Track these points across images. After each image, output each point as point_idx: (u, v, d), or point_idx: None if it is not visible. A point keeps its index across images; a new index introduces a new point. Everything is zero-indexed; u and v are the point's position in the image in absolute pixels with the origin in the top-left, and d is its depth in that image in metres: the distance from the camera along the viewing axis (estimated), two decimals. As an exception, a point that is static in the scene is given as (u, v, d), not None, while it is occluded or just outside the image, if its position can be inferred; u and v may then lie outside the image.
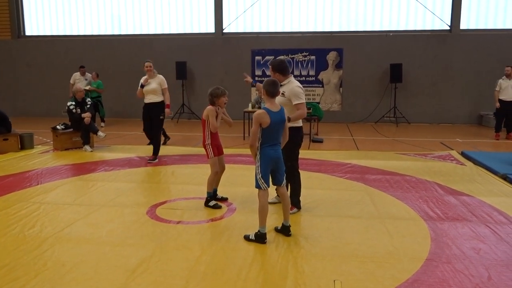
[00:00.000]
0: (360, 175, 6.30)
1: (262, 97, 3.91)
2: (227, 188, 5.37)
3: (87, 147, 8.29)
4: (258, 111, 3.73)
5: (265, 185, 3.77)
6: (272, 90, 3.78)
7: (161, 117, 7.32)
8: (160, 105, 7.31)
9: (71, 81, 12.09)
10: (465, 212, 4.65)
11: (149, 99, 7.24)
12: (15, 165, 7.00)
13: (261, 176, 3.75)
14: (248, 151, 8.13)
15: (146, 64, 7.23)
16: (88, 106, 8.59)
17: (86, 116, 8.25)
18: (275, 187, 4.06)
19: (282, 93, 4.38)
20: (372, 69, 13.36)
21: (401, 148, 8.70)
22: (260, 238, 3.77)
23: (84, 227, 4.18)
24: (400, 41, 13.17)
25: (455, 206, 4.87)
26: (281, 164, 3.89)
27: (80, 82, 12.08)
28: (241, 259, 3.45)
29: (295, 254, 3.54)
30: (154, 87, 7.23)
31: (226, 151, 5.11)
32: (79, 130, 8.33)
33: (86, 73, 12.21)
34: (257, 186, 3.79)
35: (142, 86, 7.21)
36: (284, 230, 3.95)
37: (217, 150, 4.87)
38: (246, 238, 3.85)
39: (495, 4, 13.04)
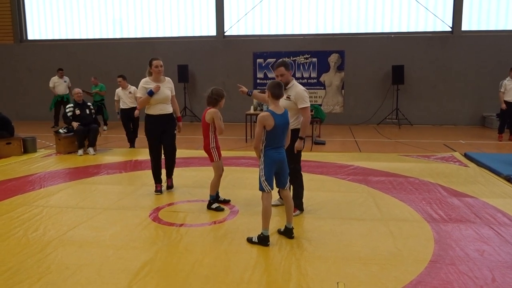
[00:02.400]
0: (362, 177, 6.28)
1: (267, 99, 3.89)
2: (229, 190, 5.37)
3: (90, 149, 8.33)
4: (262, 113, 3.73)
5: (269, 187, 3.77)
6: (278, 92, 3.76)
7: (175, 132, 5.63)
8: (172, 117, 5.58)
9: (51, 85, 12.29)
10: (469, 213, 4.64)
11: (161, 109, 5.35)
12: (18, 169, 7.02)
13: (265, 179, 3.76)
14: (250, 154, 8.14)
15: (156, 62, 5.30)
16: (93, 110, 8.64)
17: (74, 125, 8.25)
18: (278, 189, 4.06)
19: (288, 97, 4.38)
20: (374, 71, 13.36)
21: (404, 150, 8.68)
22: (263, 240, 3.76)
23: (87, 230, 4.18)
24: (402, 43, 13.17)
25: (459, 207, 4.85)
26: (285, 167, 3.88)
27: (59, 85, 12.22)
28: (244, 261, 3.45)
29: (298, 257, 3.54)
30: (167, 95, 5.43)
31: (228, 153, 5.14)
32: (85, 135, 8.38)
33: (64, 76, 12.36)
34: (261, 188, 3.80)
35: (152, 93, 5.23)
36: (287, 233, 3.95)
37: (219, 153, 4.88)
38: (249, 240, 3.84)
39: (496, 5, 13.02)
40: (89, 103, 8.80)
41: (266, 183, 3.76)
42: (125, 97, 9.03)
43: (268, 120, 3.67)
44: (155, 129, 5.40)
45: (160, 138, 5.46)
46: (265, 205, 3.78)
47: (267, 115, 3.69)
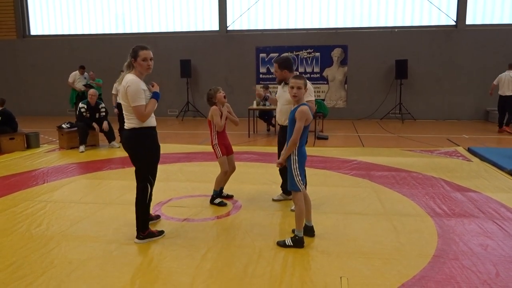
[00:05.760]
0: (365, 172, 6.27)
1: (295, 94, 3.60)
2: (232, 185, 5.36)
3: (114, 143, 8.52)
4: (305, 108, 3.54)
5: (303, 186, 3.66)
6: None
7: None
8: None
9: (71, 80, 12.20)
10: (472, 208, 4.62)
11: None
12: (21, 164, 7.04)
13: (301, 178, 3.62)
14: (253, 148, 8.14)
15: (146, 53, 3.67)
16: (103, 114, 8.56)
17: (105, 128, 8.37)
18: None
19: None
20: (377, 65, 13.30)
21: (407, 145, 8.66)
22: (299, 242, 3.60)
23: (90, 225, 4.19)
24: (406, 37, 13.10)
25: (462, 202, 4.84)
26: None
27: (81, 81, 12.18)
28: (247, 256, 3.45)
29: (301, 251, 3.53)
30: None
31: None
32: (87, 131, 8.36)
33: (85, 72, 12.38)
34: (295, 188, 3.61)
35: (159, 97, 3.73)
36: (309, 231, 3.82)
37: (226, 150, 4.86)
38: (282, 245, 3.63)
39: (501, -1, 12.94)
40: (101, 106, 8.57)
41: (301, 182, 3.62)
42: None
43: (310, 115, 3.59)
44: (158, 147, 3.79)
45: None
46: (299, 206, 3.63)
47: (308, 110, 3.57)
